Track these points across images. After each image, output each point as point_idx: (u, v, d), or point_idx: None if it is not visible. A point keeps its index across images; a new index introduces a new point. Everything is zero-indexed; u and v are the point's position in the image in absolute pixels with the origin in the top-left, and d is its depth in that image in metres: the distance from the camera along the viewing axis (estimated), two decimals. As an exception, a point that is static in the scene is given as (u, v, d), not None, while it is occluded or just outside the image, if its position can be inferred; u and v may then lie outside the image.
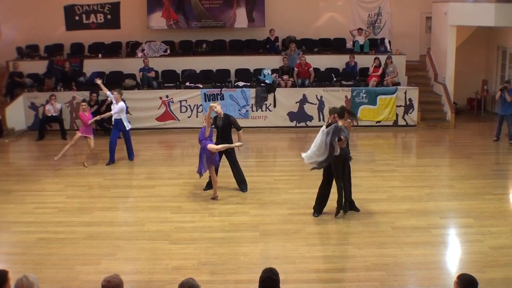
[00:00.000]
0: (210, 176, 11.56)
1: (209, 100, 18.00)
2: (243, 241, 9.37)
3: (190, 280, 5.12)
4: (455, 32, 18.98)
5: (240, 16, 20.65)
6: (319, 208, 10.45)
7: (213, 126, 11.54)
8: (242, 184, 11.93)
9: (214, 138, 11.54)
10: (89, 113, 14.57)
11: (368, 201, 11.08)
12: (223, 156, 11.77)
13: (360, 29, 20.64)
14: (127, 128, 14.39)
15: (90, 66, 19.53)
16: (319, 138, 10.05)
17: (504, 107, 16.20)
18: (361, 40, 20.25)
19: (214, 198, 11.42)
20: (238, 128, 11.65)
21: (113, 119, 14.35)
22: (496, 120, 16.94)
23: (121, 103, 14.17)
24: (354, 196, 10.75)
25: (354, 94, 18.23)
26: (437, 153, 15.72)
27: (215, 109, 11.50)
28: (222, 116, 11.64)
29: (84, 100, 16.57)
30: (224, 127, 11.63)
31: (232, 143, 11.67)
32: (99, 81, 14.89)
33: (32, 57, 20.09)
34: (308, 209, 10.62)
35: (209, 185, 11.78)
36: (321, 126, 10.27)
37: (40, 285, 5.37)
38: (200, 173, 11.34)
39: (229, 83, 19.10)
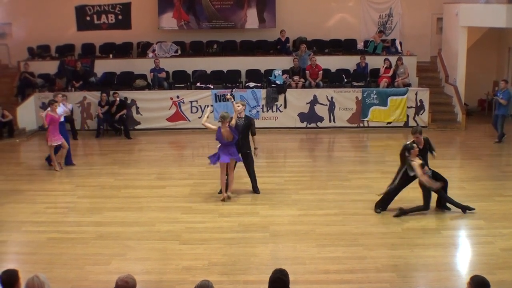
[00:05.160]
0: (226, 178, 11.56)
1: (219, 101, 18.06)
2: (253, 241, 9.37)
3: (210, 284, 5.13)
4: (466, 33, 18.88)
5: (251, 17, 20.67)
6: (384, 205, 10.63)
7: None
8: (256, 187, 11.90)
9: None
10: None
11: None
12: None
13: (381, 31, 20.61)
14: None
15: (101, 66, 19.63)
16: None
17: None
18: (377, 41, 20.25)
19: (223, 199, 11.39)
20: (254, 133, 11.66)
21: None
22: (508, 121, 16.82)
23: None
24: (363, 197, 10.89)
25: (365, 95, 18.20)
26: (447, 154, 15.60)
27: (238, 108, 11.53)
28: (243, 116, 11.62)
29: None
30: (244, 128, 11.58)
31: (249, 144, 11.70)
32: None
33: (43, 57, 20.20)
34: (318, 210, 10.62)
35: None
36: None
37: (50, 285, 5.40)
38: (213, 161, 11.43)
39: (239, 84, 19.12)
